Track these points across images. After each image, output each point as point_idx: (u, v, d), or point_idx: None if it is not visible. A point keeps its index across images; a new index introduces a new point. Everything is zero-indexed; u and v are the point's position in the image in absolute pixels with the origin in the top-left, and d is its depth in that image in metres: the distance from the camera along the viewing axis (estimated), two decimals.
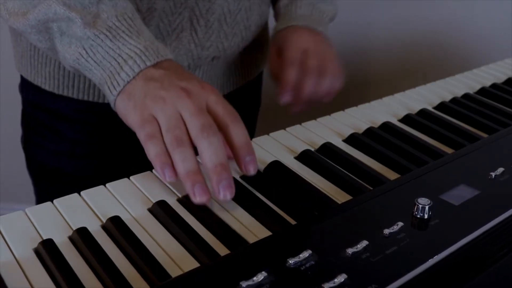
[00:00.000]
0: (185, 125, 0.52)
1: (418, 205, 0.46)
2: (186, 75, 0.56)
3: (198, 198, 0.49)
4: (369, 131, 0.65)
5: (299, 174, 0.56)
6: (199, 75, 0.75)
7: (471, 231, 0.45)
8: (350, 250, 0.42)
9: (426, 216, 0.46)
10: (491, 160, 0.55)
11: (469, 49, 1.36)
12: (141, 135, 0.53)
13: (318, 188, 0.54)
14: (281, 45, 0.76)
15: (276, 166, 0.57)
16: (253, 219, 0.49)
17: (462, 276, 0.41)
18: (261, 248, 0.43)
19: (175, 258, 0.44)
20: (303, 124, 0.66)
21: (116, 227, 0.46)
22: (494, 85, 0.80)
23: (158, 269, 0.42)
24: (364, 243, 0.42)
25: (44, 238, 0.45)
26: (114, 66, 0.56)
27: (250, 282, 0.38)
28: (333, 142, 0.62)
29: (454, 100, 0.74)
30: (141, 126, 0.53)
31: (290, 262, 0.40)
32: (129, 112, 0.55)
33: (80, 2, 0.57)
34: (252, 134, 0.95)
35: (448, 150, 0.62)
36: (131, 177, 0.54)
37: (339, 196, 0.53)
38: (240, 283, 0.38)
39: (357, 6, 1.37)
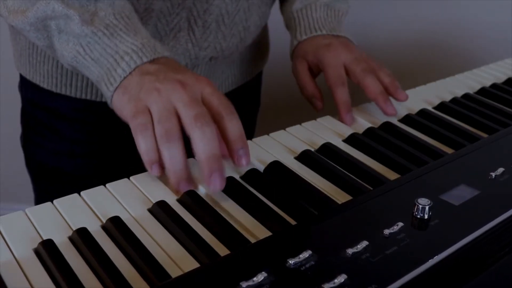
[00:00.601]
0: (178, 118, 0.53)
1: (418, 205, 0.46)
2: (181, 69, 0.57)
3: (182, 190, 0.52)
4: (369, 131, 0.65)
5: (299, 174, 0.56)
6: None
7: (471, 231, 0.45)
8: (350, 250, 0.42)
9: (426, 216, 0.46)
10: (491, 160, 0.55)
11: (469, 49, 1.36)
12: (133, 126, 0.53)
13: (318, 188, 0.54)
14: (313, 62, 0.74)
15: (276, 166, 0.57)
16: (253, 219, 0.49)
17: (462, 276, 0.41)
18: (261, 248, 0.43)
19: (175, 258, 0.44)
20: (303, 124, 0.66)
21: (116, 227, 0.46)
22: (494, 85, 0.80)
23: (158, 269, 0.42)
24: (364, 243, 0.42)
25: (44, 238, 0.45)
26: (111, 63, 0.56)
27: (250, 282, 0.38)
28: (333, 142, 0.62)
29: (454, 100, 0.74)
30: (133, 117, 0.53)
31: (290, 262, 0.40)
32: (124, 106, 0.55)
33: (78, 0, 0.57)
34: (251, 134, 0.95)
35: (448, 150, 0.62)
36: (131, 177, 0.54)
37: (339, 196, 0.53)
38: (240, 283, 0.38)
39: (356, 6, 1.37)
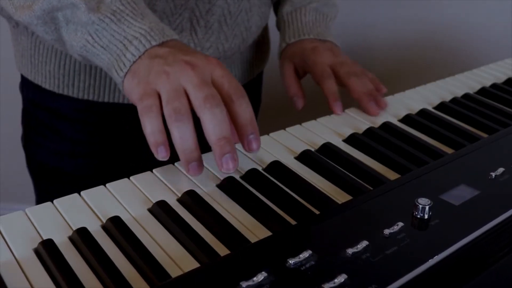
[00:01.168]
0: (187, 98, 0.52)
1: (418, 205, 0.46)
2: (191, 51, 0.56)
3: (191, 173, 0.52)
4: (369, 131, 0.65)
5: (299, 174, 0.56)
6: None
7: (471, 231, 0.45)
8: (350, 250, 0.42)
9: (426, 216, 0.46)
10: (491, 160, 0.55)
11: (469, 49, 1.36)
12: (139, 108, 0.52)
13: (318, 188, 0.54)
14: (299, 64, 0.76)
15: (276, 166, 0.57)
16: (253, 219, 0.49)
17: (462, 276, 0.41)
18: (261, 248, 0.43)
19: (175, 258, 0.44)
20: (303, 124, 0.66)
21: (116, 227, 0.46)
22: (494, 85, 0.80)
23: (158, 269, 0.42)
24: (364, 243, 0.42)
25: (44, 238, 0.45)
26: (120, 48, 0.56)
27: (250, 282, 0.38)
28: (333, 142, 0.62)
29: (454, 100, 0.74)
30: (140, 99, 0.53)
31: (290, 262, 0.40)
32: (133, 89, 0.55)
33: None
34: None
35: (448, 150, 0.62)
36: (131, 177, 0.54)
37: (339, 196, 0.53)
38: (240, 283, 0.38)
39: (356, 6, 1.37)
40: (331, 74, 0.72)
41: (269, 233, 0.47)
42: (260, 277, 0.38)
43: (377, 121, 0.68)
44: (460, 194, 0.49)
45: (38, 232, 0.46)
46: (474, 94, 0.77)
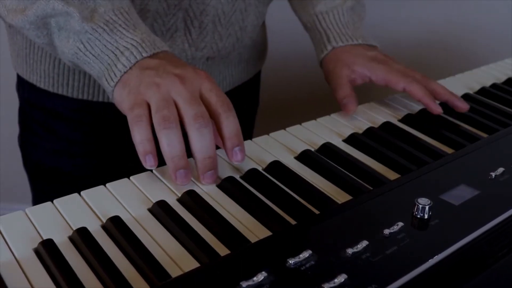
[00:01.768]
0: (176, 108, 0.53)
1: (418, 205, 0.46)
2: (181, 64, 0.57)
3: (179, 181, 0.52)
4: (369, 131, 0.65)
5: (299, 174, 0.56)
6: None
7: (471, 231, 0.45)
8: (350, 250, 0.42)
9: (426, 216, 0.46)
10: (491, 160, 0.55)
11: (469, 49, 1.36)
12: (129, 118, 0.54)
13: (318, 188, 0.54)
14: (361, 73, 0.74)
15: (276, 166, 0.57)
16: (253, 219, 0.49)
17: (462, 276, 0.41)
18: (261, 248, 0.43)
19: (175, 258, 0.44)
20: (303, 124, 0.66)
21: (116, 227, 0.46)
22: (494, 85, 0.80)
23: (158, 269, 0.42)
24: (364, 243, 0.42)
25: (44, 238, 0.45)
26: (112, 58, 0.57)
27: (250, 282, 0.38)
28: (333, 142, 0.62)
29: None
30: (130, 109, 0.54)
31: (290, 262, 0.40)
32: (123, 99, 0.56)
33: None
34: (250, 134, 0.95)
35: (448, 150, 0.62)
36: (131, 177, 0.54)
37: (339, 196, 0.53)
38: (240, 283, 0.38)
39: None
40: (411, 78, 0.71)
41: (269, 233, 0.47)
42: (260, 277, 0.38)
43: (377, 121, 0.68)
44: (460, 194, 0.49)
45: (38, 232, 0.46)
46: (474, 94, 0.77)
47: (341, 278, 0.39)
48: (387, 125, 0.66)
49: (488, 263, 0.43)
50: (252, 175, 0.55)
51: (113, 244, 0.45)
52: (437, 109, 0.69)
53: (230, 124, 0.55)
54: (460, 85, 0.80)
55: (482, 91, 0.78)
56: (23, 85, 0.79)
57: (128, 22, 0.58)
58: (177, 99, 0.54)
